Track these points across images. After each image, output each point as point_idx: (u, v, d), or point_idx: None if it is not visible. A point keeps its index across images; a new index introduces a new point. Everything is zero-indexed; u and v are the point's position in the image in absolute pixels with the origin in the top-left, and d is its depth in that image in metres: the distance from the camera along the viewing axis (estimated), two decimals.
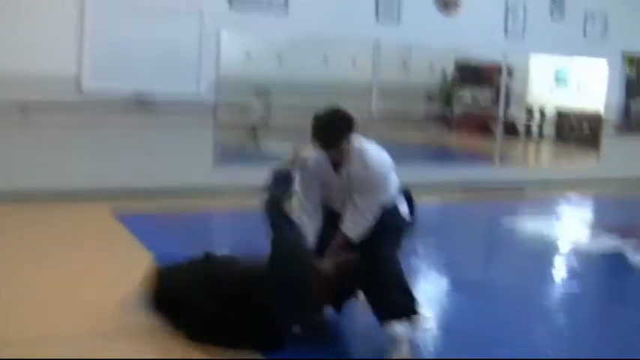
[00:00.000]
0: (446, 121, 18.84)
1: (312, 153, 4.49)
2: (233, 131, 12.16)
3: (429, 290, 5.96)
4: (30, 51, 8.21)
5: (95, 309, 4.95)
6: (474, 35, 10.83)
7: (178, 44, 8.91)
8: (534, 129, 17.55)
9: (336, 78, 15.27)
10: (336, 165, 4.46)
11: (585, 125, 15.16)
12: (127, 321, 4.74)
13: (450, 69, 18.79)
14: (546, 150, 16.65)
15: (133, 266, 5.95)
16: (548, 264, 7.15)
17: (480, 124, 16.88)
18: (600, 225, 9.13)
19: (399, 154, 12.63)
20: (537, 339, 5.01)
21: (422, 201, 9.38)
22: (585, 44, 11.84)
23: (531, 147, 16.91)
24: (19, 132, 8.23)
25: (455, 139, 17.48)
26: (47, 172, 8.39)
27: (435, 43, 10.91)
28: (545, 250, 7.56)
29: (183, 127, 8.95)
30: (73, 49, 8.39)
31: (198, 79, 8.99)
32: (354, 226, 4.48)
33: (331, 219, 4.60)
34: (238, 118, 12.20)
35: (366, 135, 4.46)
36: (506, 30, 11.19)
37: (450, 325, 5.17)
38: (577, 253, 7.52)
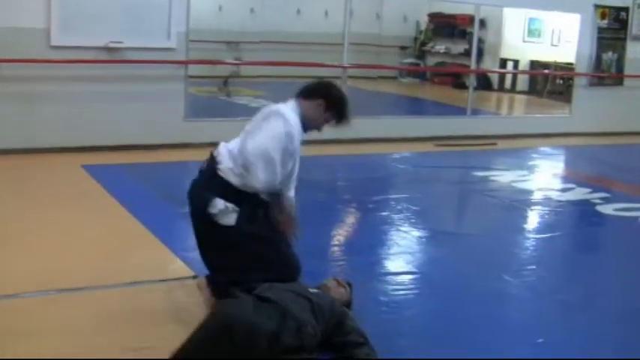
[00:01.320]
0: (419, 73, 18.88)
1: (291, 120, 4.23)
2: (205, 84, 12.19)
3: (402, 242, 6.02)
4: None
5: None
6: None
7: None
8: (508, 81, 17.61)
9: (308, 31, 15.27)
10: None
11: (558, 77, 15.24)
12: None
13: (424, 21, 18.79)
14: (519, 102, 16.70)
15: (97, 216, 6.13)
16: (518, 214, 7.22)
17: (453, 76, 16.96)
18: (571, 176, 9.23)
19: (372, 105, 12.88)
20: (509, 290, 5.07)
21: (394, 150, 9.66)
22: None
23: (504, 99, 16.96)
24: None
25: (428, 91, 17.49)
26: (17, 127, 8.31)
27: None
28: (515, 201, 7.62)
29: (155, 81, 8.89)
30: (41, 2, 8.25)
31: (169, 31, 8.89)
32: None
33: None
34: (210, 70, 12.15)
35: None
36: None
37: (424, 275, 5.25)
38: (547, 203, 7.59)
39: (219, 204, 4.07)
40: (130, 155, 8.50)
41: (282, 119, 4.15)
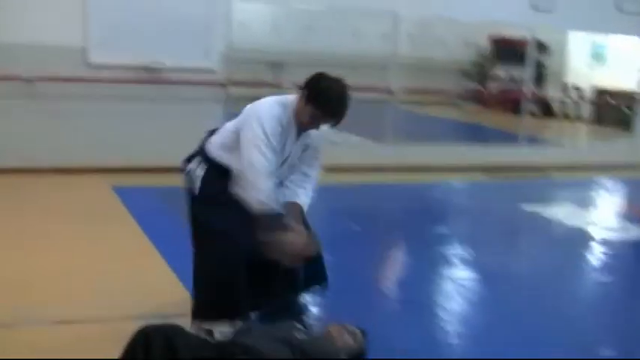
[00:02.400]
0: (480, 98, 18.42)
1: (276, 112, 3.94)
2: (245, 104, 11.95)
3: (447, 281, 5.61)
4: (36, 24, 8.01)
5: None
6: (505, 9, 10.37)
7: (188, 15, 8.60)
8: (571, 108, 17.05)
9: (362, 52, 14.97)
10: (299, 132, 4.04)
11: (623, 105, 14.62)
12: None
13: (485, 45, 18.37)
14: (580, 130, 16.12)
15: (114, 242, 5.95)
16: (569, 252, 6.71)
17: (515, 102, 16.47)
18: (632, 211, 8.66)
19: (425, 131, 12.51)
20: (556, 332, 4.62)
21: (441, 179, 9.27)
22: (620, 21, 11.29)
23: (565, 127, 16.40)
24: (27, 105, 8.09)
25: (486, 118, 17.02)
26: (51, 145, 8.17)
27: (466, 16, 10.42)
28: (566, 238, 7.17)
29: (192, 101, 8.69)
30: (79, 21, 8.14)
31: (209, 50, 8.68)
32: (306, 197, 4.09)
33: None
34: (253, 91, 11.94)
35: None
36: (536, 6, 10.67)
37: (467, 317, 4.89)
38: (600, 243, 7.03)
39: (192, 163, 4.15)
40: (164, 178, 8.24)
41: (254, 122, 3.85)
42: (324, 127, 4.04)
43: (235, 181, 3.90)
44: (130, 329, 3.21)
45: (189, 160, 4.25)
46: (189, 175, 4.16)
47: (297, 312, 4.20)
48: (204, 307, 3.99)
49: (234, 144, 3.94)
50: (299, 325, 3.72)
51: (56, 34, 8.07)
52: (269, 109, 3.90)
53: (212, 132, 4.27)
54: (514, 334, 4.57)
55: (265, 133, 3.81)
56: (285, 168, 4.06)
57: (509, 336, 4.55)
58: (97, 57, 8.19)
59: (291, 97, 3.99)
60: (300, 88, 3.94)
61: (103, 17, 8.18)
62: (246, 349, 3.20)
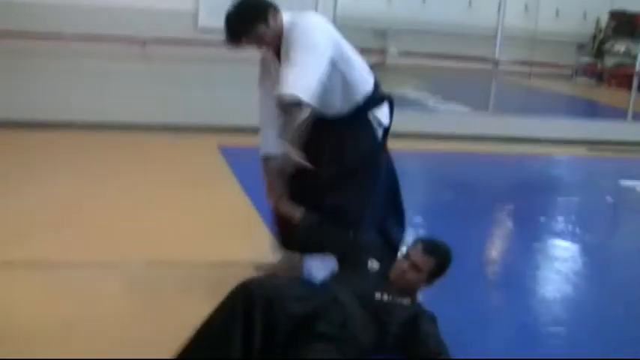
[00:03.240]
0: (595, 72, 18.00)
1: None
2: None
3: (547, 254, 5.65)
4: None
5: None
6: None
7: None
8: None
9: (472, 22, 14.88)
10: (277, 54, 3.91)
11: None
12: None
13: (604, 19, 17.92)
14: None
15: (216, 198, 6.25)
16: None
17: (630, 78, 16.01)
18: None
19: (534, 104, 12.37)
20: None
21: (543, 152, 9.18)
22: None
23: None
24: (138, 66, 8.45)
25: (600, 93, 16.62)
26: (160, 106, 8.55)
27: None
28: None
29: None
30: None
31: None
32: (294, 79, 3.66)
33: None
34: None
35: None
36: None
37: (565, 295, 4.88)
38: None
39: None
40: None
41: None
42: None
43: None
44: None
45: None
46: None
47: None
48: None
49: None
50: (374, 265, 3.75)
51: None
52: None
53: None
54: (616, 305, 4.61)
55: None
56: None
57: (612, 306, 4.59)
58: (206, 21, 8.46)
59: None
60: None
61: None
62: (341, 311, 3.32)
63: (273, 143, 3.97)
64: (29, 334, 3.57)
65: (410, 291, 3.64)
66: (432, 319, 3.53)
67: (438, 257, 3.69)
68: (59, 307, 3.88)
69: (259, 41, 3.91)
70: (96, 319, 3.76)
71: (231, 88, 8.68)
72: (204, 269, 4.57)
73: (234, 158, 7.44)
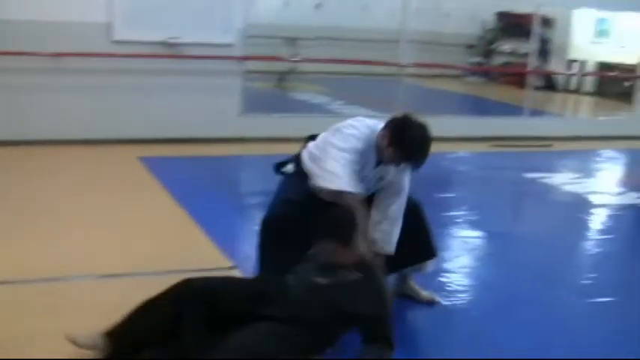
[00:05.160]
0: (485, 72, 18.80)
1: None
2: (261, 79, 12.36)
3: (456, 241, 6.07)
4: (63, 2, 8.42)
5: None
6: None
7: None
8: (574, 82, 17.41)
9: (372, 27, 15.35)
10: (378, 162, 4.14)
11: (626, 79, 14.97)
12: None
13: (491, 20, 18.71)
14: (583, 103, 16.50)
15: (146, 206, 6.41)
16: (560, 217, 7.23)
17: (519, 76, 16.85)
18: (626, 180, 9.13)
19: (431, 103, 12.89)
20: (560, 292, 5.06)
21: (448, 150, 9.65)
22: None
23: (569, 100, 16.78)
24: (52, 80, 8.49)
25: (491, 91, 17.39)
26: (78, 118, 8.62)
27: None
28: (560, 203, 7.68)
29: (212, 75, 9.11)
30: None
31: (228, 27, 9.08)
32: (390, 237, 4.11)
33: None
34: (267, 66, 12.30)
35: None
36: None
37: (477, 274, 5.33)
38: (592, 206, 7.51)
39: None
40: (186, 148, 8.73)
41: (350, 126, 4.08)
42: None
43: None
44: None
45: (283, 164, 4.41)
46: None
47: None
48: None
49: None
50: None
51: (82, 12, 8.46)
52: (364, 129, 4.10)
53: (312, 137, 4.31)
54: (521, 280, 5.13)
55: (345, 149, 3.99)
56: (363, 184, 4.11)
57: (517, 282, 5.11)
58: (120, 33, 8.58)
59: (380, 125, 4.11)
60: (385, 127, 4.07)
61: None
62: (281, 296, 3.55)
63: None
64: None
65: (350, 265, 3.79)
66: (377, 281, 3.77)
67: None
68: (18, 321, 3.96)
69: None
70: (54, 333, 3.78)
71: (147, 100, 8.85)
72: (152, 278, 4.63)
73: (156, 167, 7.62)
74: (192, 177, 7.56)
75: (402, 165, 4.08)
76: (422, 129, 4.03)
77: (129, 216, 6.08)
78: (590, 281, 5.27)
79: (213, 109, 9.12)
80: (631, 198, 7.90)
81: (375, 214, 4.16)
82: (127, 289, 3.91)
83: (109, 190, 6.86)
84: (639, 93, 12.22)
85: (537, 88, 12.65)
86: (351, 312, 3.55)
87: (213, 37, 9.01)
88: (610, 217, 7.26)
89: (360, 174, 4.03)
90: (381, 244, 4.13)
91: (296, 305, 3.49)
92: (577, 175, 8.89)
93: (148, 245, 5.38)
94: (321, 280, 3.65)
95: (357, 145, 4.01)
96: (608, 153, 10.71)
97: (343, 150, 3.97)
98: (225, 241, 5.42)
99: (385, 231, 4.15)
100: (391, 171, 4.15)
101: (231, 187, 7.32)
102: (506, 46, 18.39)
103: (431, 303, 4.55)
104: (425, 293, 4.59)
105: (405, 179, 4.22)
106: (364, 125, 4.11)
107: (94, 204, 6.37)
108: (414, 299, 4.56)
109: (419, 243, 4.40)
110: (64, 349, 3.47)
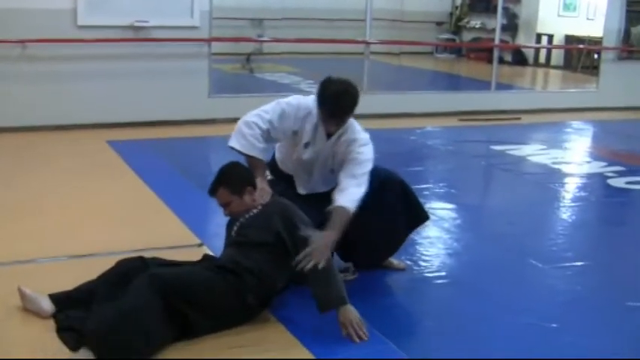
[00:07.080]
0: (454, 48, 18.89)
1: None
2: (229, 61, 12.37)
3: (432, 214, 6.06)
4: None
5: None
6: None
7: None
8: (542, 56, 17.54)
9: (334, 7, 15.38)
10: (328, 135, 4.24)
11: (593, 52, 15.11)
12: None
13: None
14: (551, 77, 16.63)
15: (114, 187, 6.46)
16: (523, 186, 7.41)
17: (487, 51, 16.96)
18: (591, 150, 9.25)
19: (400, 80, 12.96)
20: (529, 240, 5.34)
21: (418, 125, 9.75)
22: None
23: (537, 74, 16.90)
24: (19, 67, 8.45)
25: (461, 67, 17.49)
26: (46, 104, 8.59)
27: None
28: (525, 173, 7.82)
29: (179, 58, 9.11)
30: None
31: (193, 10, 9.07)
32: (352, 197, 4.04)
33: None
34: (233, 47, 12.33)
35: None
36: None
37: (445, 244, 5.38)
38: (556, 176, 7.61)
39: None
40: (154, 131, 8.74)
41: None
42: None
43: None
44: None
45: None
46: None
47: None
48: None
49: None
50: None
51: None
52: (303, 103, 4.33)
53: None
54: (489, 250, 5.28)
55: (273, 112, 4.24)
56: (319, 167, 4.35)
57: (485, 251, 5.24)
58: (85, 19, 8.54)
59: None
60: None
61: None
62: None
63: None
64: None
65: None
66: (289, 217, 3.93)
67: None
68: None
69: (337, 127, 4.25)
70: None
71: (115, 84, 8.84)
72: (123, 257, 4.65)
73: (125, 151, 7.65)
74: (160, 159, 7.59)
75: (334, 122, 4.14)
76: (341, 84, 4.13)
77: (99, 198, 6.10)
78: (557, 248, 5.37)
79: (181, 92, 9.13)
80: (597, 167, 8.01)
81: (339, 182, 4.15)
82: (99, 268, 3.92)
83: (79, 174, 6.87)
84: (605, 65, 12.30)
85: (509, 63, 12.73)
86: (266, 229, 3.89)
87: (178, 19, 9.01)
88: (577, 186, 7.39)
89: (311, 147, 4.26)
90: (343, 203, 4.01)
91: (231, 260, 3.85)
92: (545, 147, 8.98)
93: (118, 226, 5.42)
94: (233, 234, 4.04)
95: (280, 117, 4.24)
96: (575, 124, 10.82)
97: (260, 117, 4.19)
98: (194, 219, 5.47)
99: (351, 192, 4.08)
100: (342, 147, 4.25)
101: (200, 167, 7.33)
102: (475, 21, 18.48)
103: (400, 270, 4.69)
104: (395, 262, 4.73)
105: (360, 151, 4.26)
106: (305, 100, 4.34)
107: (63, 188, 6.39)
108: (385, 267, 4.69)
109: (412, 210, 4.63)
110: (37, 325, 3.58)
